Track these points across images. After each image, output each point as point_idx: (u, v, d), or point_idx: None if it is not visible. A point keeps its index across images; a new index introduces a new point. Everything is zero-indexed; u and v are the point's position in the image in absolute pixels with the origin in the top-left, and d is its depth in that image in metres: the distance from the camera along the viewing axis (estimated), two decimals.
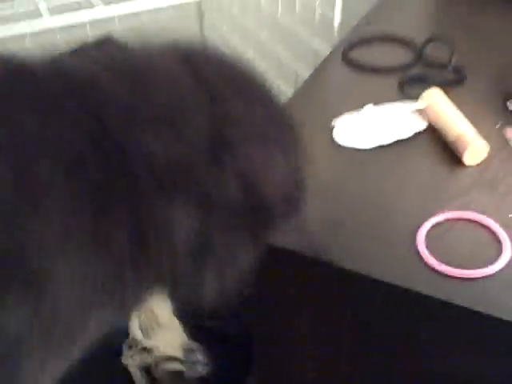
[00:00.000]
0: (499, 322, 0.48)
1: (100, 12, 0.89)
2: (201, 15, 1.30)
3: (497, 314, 0.48)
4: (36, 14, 0.87)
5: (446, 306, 0.49)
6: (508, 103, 0.68)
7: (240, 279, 0.46)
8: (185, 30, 1.21)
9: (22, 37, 0.92)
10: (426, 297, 0.49)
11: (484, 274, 0.50)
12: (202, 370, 0.89)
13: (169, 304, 0.90)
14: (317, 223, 0.54)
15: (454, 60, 0.73)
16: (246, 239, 0.45)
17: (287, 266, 0.57)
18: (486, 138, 0.62)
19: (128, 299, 0.41)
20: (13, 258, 0.34)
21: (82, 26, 1.02)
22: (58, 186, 0.35)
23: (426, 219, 0.54)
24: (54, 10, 0.88)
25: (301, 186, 0.47)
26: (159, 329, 0.90)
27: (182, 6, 1.16)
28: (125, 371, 0.90)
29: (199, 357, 0.89)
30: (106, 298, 0.39)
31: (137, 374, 0.90)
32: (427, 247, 0.52)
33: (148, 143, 0.39)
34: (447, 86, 0.70)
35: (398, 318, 0.54)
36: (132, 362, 0.90)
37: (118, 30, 1.18)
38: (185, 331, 0.90)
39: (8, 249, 0.33)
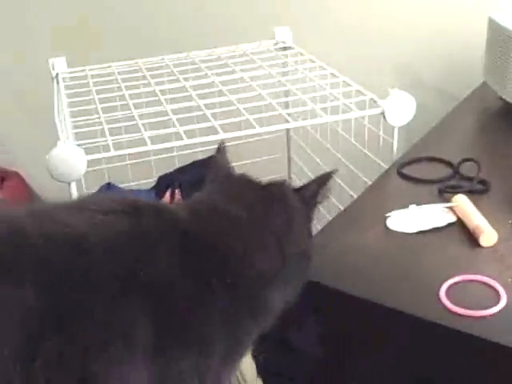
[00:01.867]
0: (497, 345, 0.70)
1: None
2: (288, 140, 1.61)
3: (495, 339, 0.70)
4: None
5: (459, 334, 0.72)
6: None
7: None
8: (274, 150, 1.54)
9: None
10: (446, 328, 0.73)
11: (487, 314, 0.73)
12: None
13: (253, 365, 1.12)
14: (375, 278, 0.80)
15: (480, 175, 0.99)
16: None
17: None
18: (500, 229, 0.86)
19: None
20: None
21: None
22: None
23: (449, 278, 0.78)
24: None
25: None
26: None
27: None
28: None
29: None
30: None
31: None
32: (447, 296, 0.76)
33: None
34: (475, 194, 0.96)
35: (426, 348, 0.76)
36: None
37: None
38: None
39: None
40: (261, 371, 1.08)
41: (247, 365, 1.11)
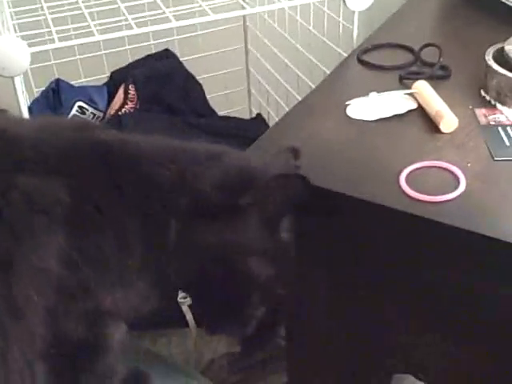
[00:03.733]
0: (456, 229, 0.70)
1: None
2: (245, 30, 1.54)
3: (454, 224, 0.70)
4: None
5: (419, 219, 0.72)
6: (481, 91, 0.91)
7: None
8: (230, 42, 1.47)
9: None
10: (406, 214, 0.72)
11: (446, 199, 0.73)
12: None
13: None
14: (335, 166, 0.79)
15: (441, 60, 0.96)
16: None
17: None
18: (460, 115, 0.85)
19: None
20: None
21: None
22: None
23: (408, 165, 0.78)
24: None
25: None
26: None
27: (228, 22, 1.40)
28: (178, 309, 1.13)
29: None
30: None
31: (187, 311, 1.13)
32: (407, 182, 0.75)
33: None
34: (436, 80, 0.94)
35: (387, 235, 0.76)
36: (184, 301, 1.12)
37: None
38: None
39: None
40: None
41: None
